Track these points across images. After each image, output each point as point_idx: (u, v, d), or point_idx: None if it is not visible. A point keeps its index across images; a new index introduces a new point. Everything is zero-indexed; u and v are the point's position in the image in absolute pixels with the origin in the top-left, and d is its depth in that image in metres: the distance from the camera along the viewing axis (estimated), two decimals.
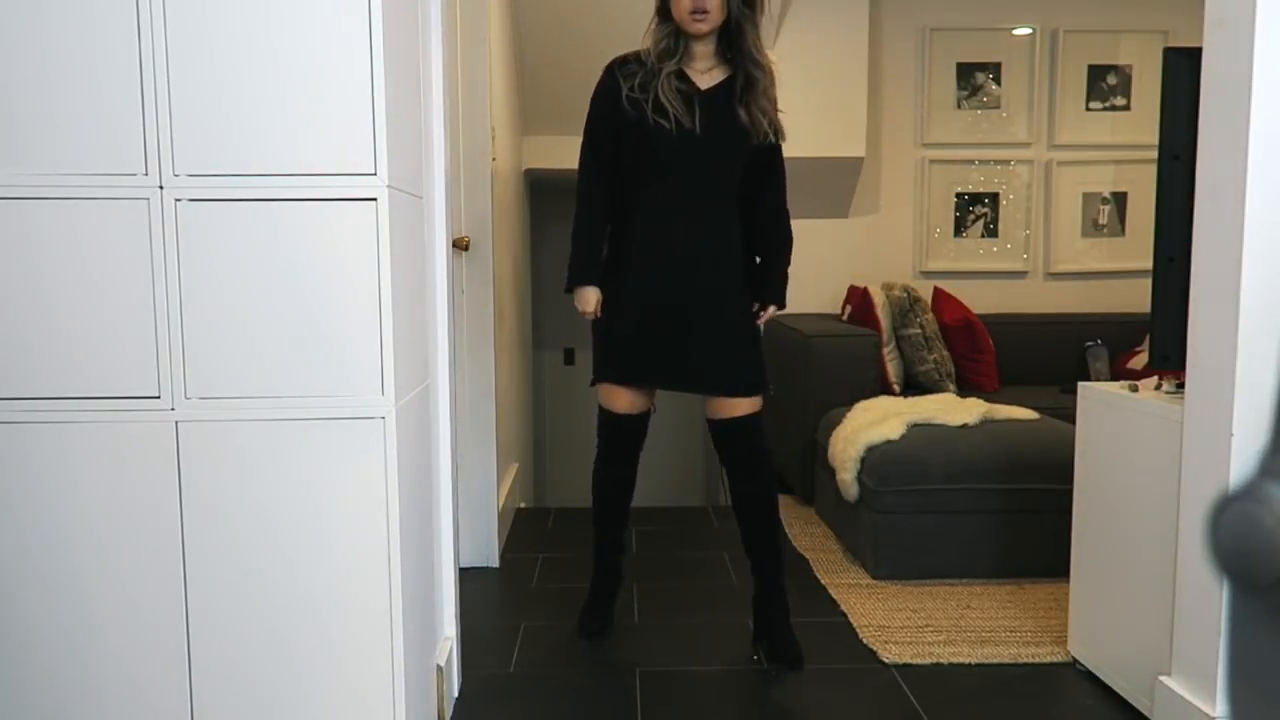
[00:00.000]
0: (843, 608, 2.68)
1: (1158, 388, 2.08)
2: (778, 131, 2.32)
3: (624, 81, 2.28)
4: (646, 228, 2.30)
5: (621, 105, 2.27)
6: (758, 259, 2.41)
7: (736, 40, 2.24)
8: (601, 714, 2.14)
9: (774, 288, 2.38)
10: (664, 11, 2.26)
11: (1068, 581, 2.35)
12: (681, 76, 2.27)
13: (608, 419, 2.44)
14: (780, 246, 2.41)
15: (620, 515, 2.54)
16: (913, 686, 2.23)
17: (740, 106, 2.26)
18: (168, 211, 1.51)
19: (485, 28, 2.94)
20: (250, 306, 1.54)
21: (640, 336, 2.31)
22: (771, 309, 2.37)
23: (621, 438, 2.45)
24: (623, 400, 2.40)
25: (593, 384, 2.43)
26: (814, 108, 4.25)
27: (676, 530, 3.52)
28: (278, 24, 1.50)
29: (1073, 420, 2.36)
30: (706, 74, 2.29)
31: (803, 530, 3.41)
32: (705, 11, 2.18)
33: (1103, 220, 4.61)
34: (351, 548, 1.59)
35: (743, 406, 2.32)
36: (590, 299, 2.34)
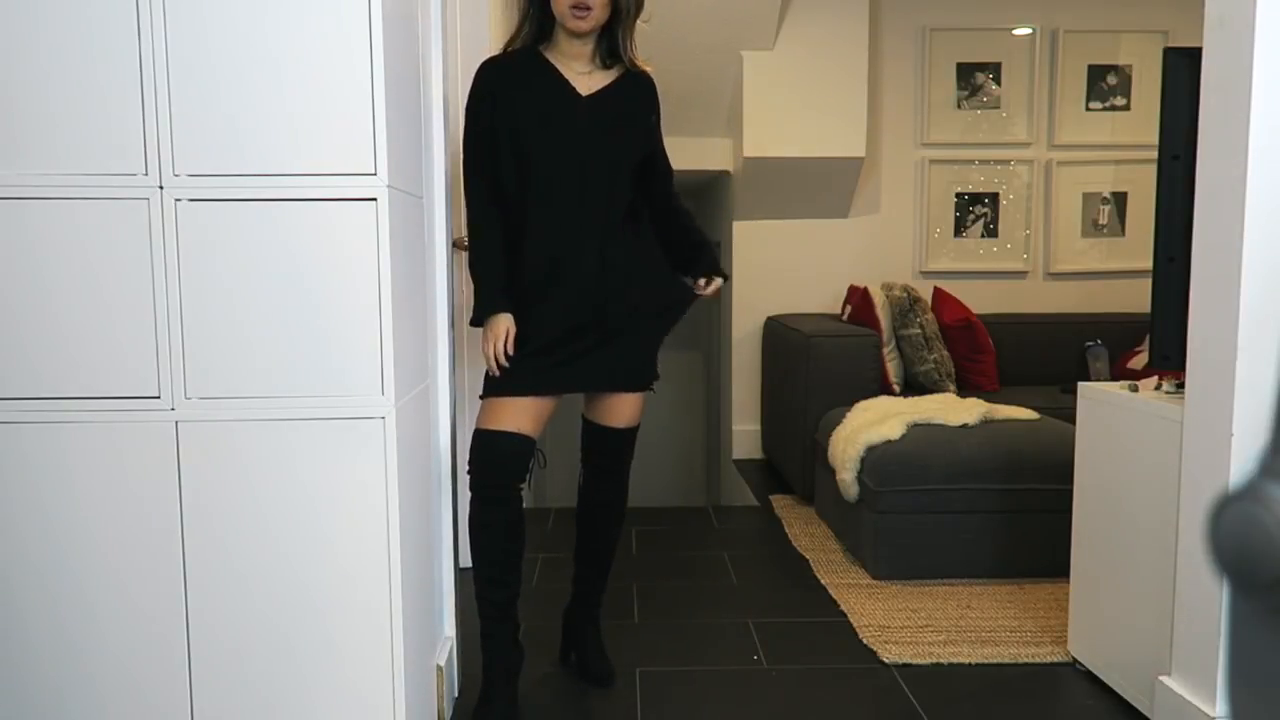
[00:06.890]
0: (843, 608, 2.68)
1: (1158, 388, 2.08)
2: (656, 127, 2.16)
3: (499, 86, 2.03)
4: (543, 246, 2.03)
5: (500, 112, 2.02)
6: (680, 243, 2.22)
7: (615, 46, 2.05)
8: (601, 714, 2.14)
9: (709, 259, 2.20)
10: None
11: (1068, 581, 2.35)
12: (558, 78, 2.04)
13: (485, 441, 1.99)
14: (688, 222, 2.25)
15: (507, 575, 2.04)
16: (913, 686, 2.23)
17: (631, 117, 2.09)
18: (168, 211, 1.51)
19: (485, 28, 2.94)
20: (250, 306, 1.54)
21: (557, 347, 2.04)
22: (718, 280, 2.18)
23: (498, 463, 1.99)
24: (510, 416, 2.00)
25: (483, 396, 2.05)
26: (814, 108, 4.25)
27: (676, 530, 3.52)
28: (277, 24, 1.50)
29: (1073, 420, 2.36)
30: (585, 77, 2.05)
31: (803, 530, 3.41)
32: (588, 8, 1.95)
33: (1103, 220, 4.61)
34: (351, 548, 1.59)
35: (632, 416, 2.17)
36: (502, 327, 1.99)
